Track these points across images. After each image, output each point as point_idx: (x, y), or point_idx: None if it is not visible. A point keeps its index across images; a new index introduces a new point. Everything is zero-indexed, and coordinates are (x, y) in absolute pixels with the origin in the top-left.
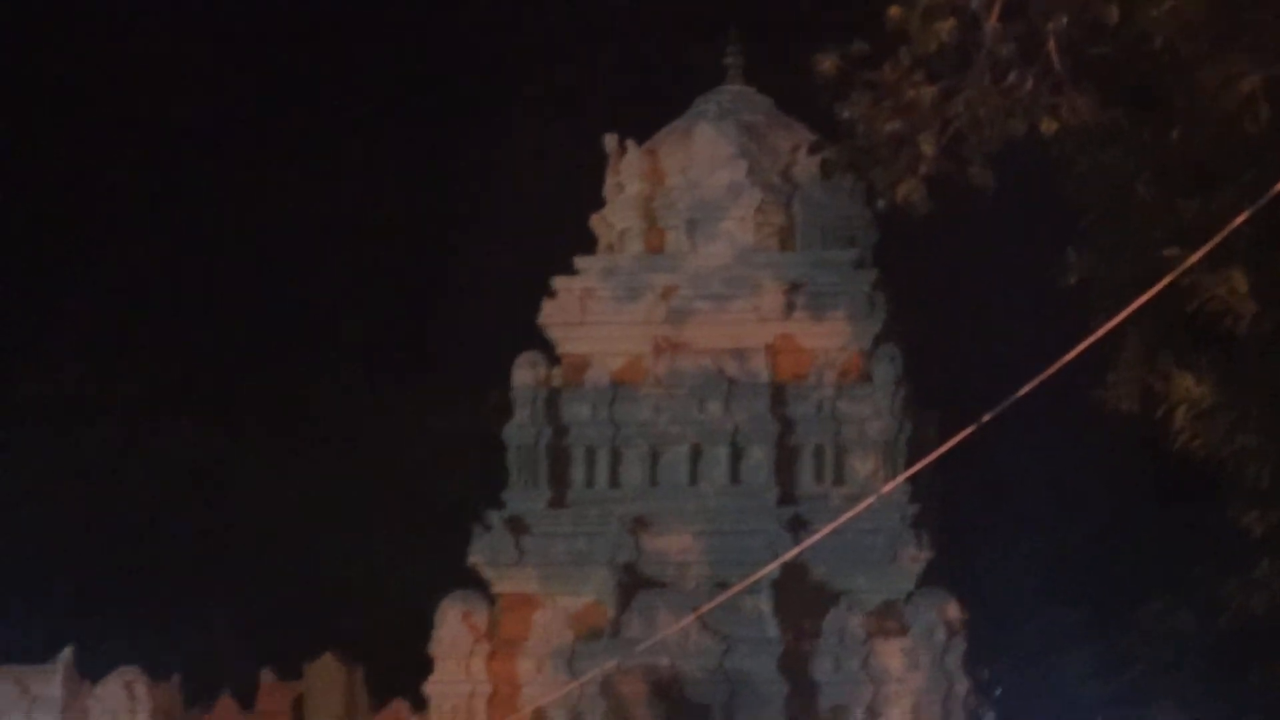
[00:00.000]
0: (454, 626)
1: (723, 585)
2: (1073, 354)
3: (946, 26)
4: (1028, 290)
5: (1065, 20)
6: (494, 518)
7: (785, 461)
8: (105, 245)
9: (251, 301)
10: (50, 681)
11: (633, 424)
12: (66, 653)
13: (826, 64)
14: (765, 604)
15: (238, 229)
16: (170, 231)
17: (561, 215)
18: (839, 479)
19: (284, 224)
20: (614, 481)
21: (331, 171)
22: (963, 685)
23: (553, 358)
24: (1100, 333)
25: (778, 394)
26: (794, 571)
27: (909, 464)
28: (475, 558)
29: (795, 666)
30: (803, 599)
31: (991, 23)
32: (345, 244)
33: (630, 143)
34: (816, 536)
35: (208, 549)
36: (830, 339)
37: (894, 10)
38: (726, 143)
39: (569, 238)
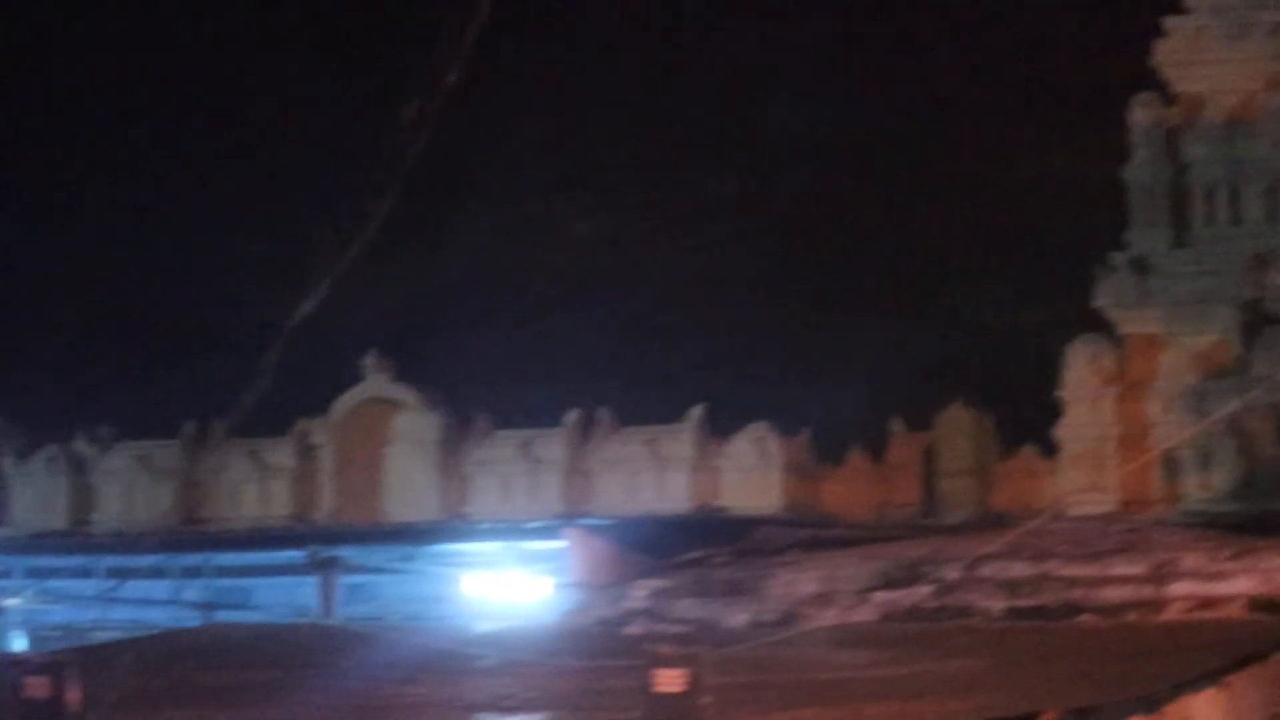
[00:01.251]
0: (1082, 370)
1: None
2: None
3: None
4: None
5: None
6: (1117, 259)
7: None
8: None
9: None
10: (681, 440)
11: (1251, 161)
12: (697, 411)
13: None
14: None
15: None
16: None
17: None
18: None
19: None
20: (1234, 219)
21: None
22: None
23: (1167, 97)
24: None
25: None
26: None
27: None
28: (1100, 300)
29: None
30: None
31: None
32: None
33: None
34: None
35: (840, 301)
36: None
37: None
38: None
39: None
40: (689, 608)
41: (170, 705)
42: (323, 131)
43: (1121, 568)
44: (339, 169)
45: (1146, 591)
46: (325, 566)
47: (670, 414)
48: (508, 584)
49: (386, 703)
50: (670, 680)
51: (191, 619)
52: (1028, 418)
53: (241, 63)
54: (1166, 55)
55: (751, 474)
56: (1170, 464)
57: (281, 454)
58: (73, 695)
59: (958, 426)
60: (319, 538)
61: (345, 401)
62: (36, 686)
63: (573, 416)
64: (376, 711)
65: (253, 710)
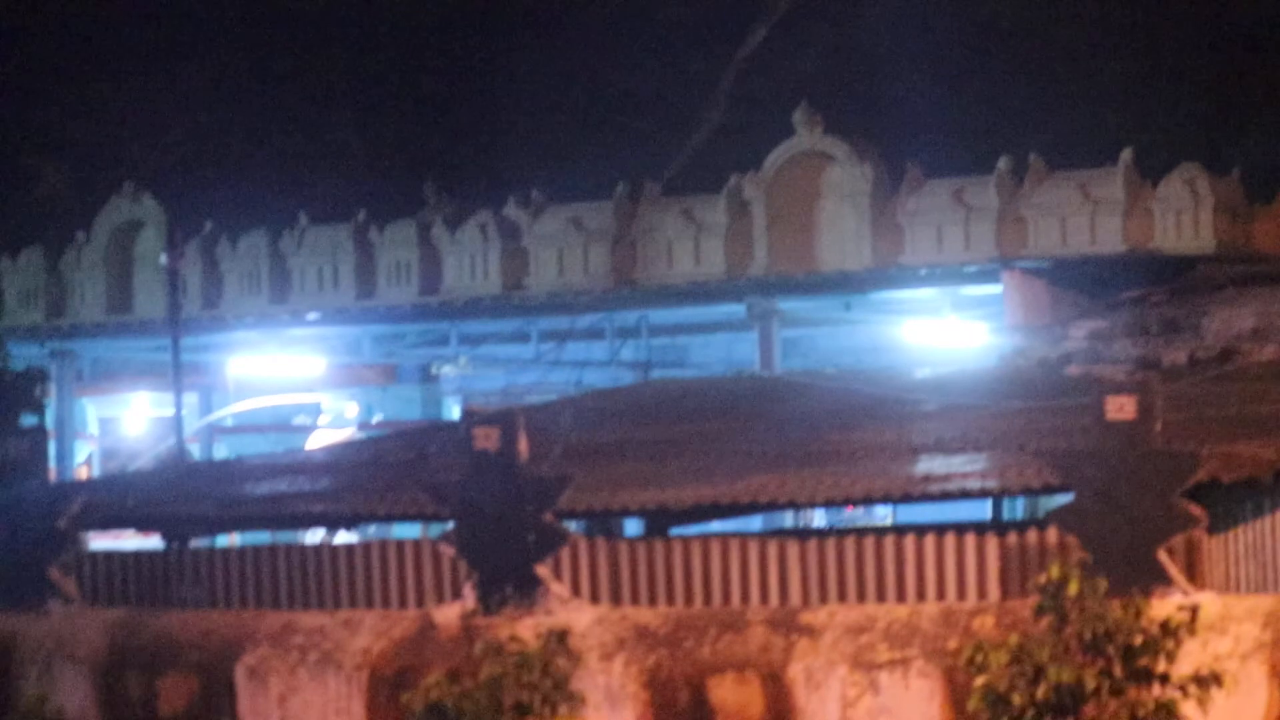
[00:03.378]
0: None
1: None
2: None
3: None
4: None
5: None
6: None
7: None
8: None
9: None
10: (1111, 183)
11: None
12: (1126, 154)
13: None
14: None
15: None
16: None
17: None
18: None
19: None
20: None
21: None
22: None
23: None
24: None
25: None
26: None
27: None
28: None
29: None
30: None
31: None
32: None
33: None
34: None
35: (1267, 38)
36: None
37: None
38: None
39: None
40: (1128, 346)
41: (613, 457)
42: None
43: None
44: None
45: None
46: (763, 319)
47: (1099, 158)
48: (945, 330)
49: (831, 448)
50: (1122, 407)
51: (628, 379)
52: None
53: None
54: None
55: (1183, 215)
56: None
57: (714, 211)
58: (521, 446)
59: None
60: (755, 290)
61: (776, 156)
62: (487, 437)
63: (1003, 163)
64: (821, 457)
65: (695, 459)
